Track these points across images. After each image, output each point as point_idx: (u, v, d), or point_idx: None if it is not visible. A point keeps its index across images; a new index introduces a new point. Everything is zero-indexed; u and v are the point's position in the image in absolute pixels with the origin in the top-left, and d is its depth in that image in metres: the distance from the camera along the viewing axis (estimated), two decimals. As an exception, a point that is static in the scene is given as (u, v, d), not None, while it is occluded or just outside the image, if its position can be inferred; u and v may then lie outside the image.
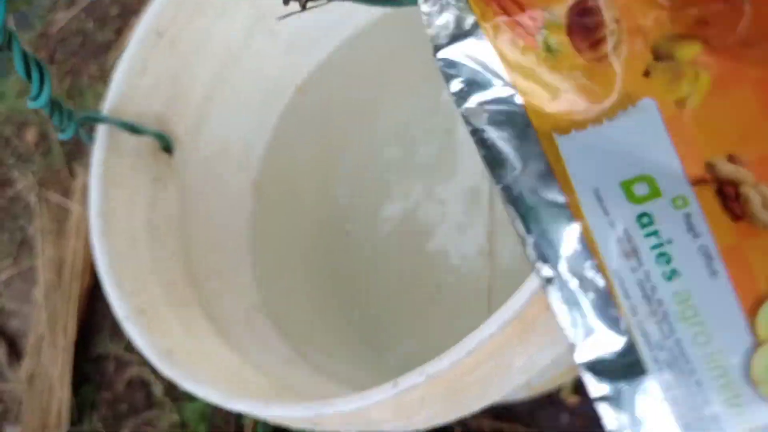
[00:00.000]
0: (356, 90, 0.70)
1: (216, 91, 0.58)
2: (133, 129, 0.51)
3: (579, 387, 0.65)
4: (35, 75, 0.34)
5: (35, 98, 0.36)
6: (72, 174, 1.08)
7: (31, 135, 1.14)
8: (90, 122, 0.48)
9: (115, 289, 0.44)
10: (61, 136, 0.44)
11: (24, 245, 1.02)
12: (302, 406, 0.34)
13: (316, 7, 0.27)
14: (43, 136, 1.11)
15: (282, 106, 0.66)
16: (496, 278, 0.61)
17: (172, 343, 0.43)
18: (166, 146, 0.55)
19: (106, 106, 0.51)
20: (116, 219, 0.50)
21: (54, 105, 0.40)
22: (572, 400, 0.64)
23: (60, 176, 1.06)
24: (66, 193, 1.01)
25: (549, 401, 0.65)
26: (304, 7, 0.26)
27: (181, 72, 0.56)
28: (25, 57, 0.33)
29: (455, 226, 0.67)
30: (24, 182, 1.06)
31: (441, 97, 0.71)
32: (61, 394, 0.84)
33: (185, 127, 0.57)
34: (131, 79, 0.53)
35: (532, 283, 0.33)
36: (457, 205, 0.69)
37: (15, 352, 0.94)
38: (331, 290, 0.66)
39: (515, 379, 0.36)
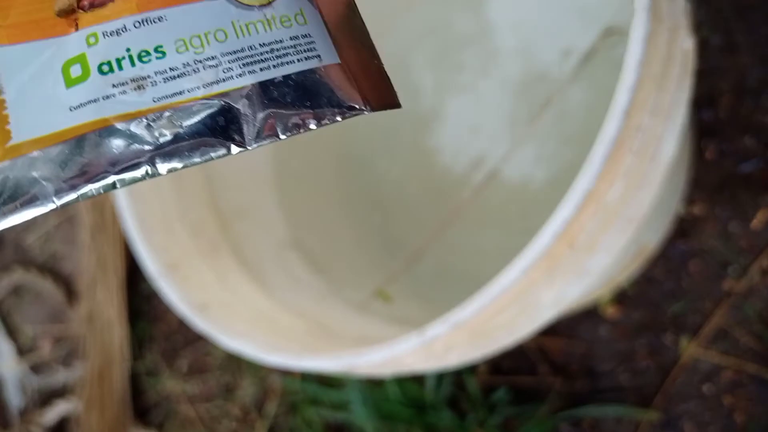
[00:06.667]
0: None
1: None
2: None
3: (617, 298, 0.64)
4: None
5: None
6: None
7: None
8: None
9: (145, 245, 0.44)
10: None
11: (65, 190, 1.04)
12: (333, 357, 0.35)
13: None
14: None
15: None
16: (519, 200, 0.60)
17: (207, 296, 0.43)
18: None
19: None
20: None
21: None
22: (611, 311, 0.64)
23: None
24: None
25: (587, 314, 0.65)
26: None
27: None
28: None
29: (479, 148, 0.65)
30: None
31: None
32: (120, 331, 0.88)
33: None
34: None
35: (554, 224, 0.32)
36: (484, 127, 0.67)
37: (73, 294, 0.98)
38: (360, 217, 0.66)
39: (544, 315, 0.36)
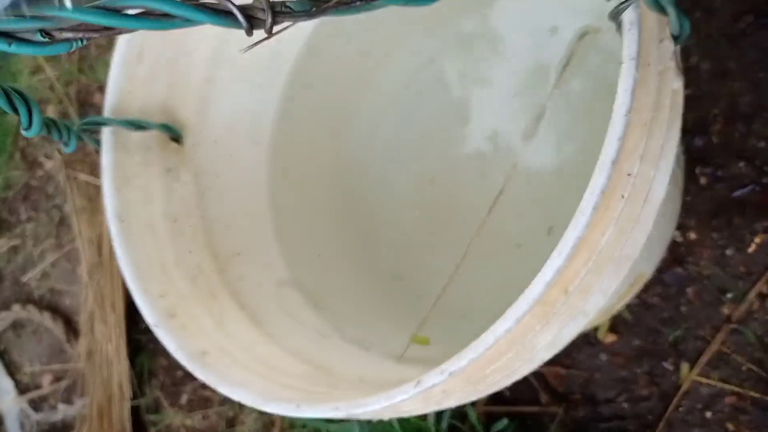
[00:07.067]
0: (363, 43, 0.67)
1: (216, 71, 0.57)
2: (138, 125, 0.50)
3: (616, 326, 0.64)
4: (22, 109, 0.34)
5: (27, 128, 0.35)
6: (97, 150, 1.09)
7: (51, 112, 1.14)
8: (92, 127, 0.48)
9: (142, 294, 0.44)
10: (67, 150, 0.44)
11: (62, 225, 1.05)
12: (331, 408, 0.35)
13: (282, 31, 0.25)
14: (63, 114, 1.11)
15: (287, 71, 0.64)
16: (522, 235, 0.60)
17: (205, 343, 0.43)
18: (175, 136, 0.54)
19: (107, 106, 0.50)
20: (134, 217, 0.50)
21: (49, 125, 0.40)
22: (610, 339, 0.64)
23: (86, 152, 1.07)
24: (93, 170, 1.02)
25: (586, 341, 0.65)
26: (270, 34, 0.24)
27: (177, 56, 0.54)
28: (6, 94, 0.32)
29: (477, 174, 0.66)
30: (52, 162, 1.08)
31: (441, 44, 0.68)
32: (119, 366, 0.88)
33: (190, 112, 0.56)
34: (129, 68, 0.52)
35: (548, 271, 0.32)
36: (475, 151, 0.67)
37: (72, 330, 0.98)
38: (360, 252, 0.66)
39: (541, 357, 0.36)
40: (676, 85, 0.38)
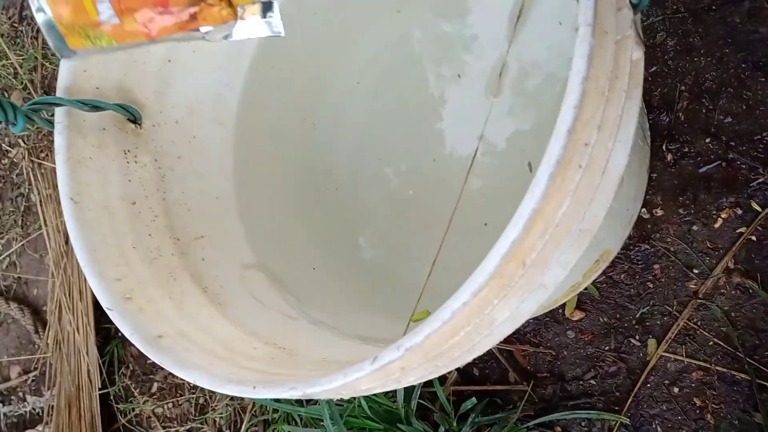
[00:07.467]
0: (329, 22, 0.66)
1: (176, 52, 0.55)
2: (93, 105, 0.49)
3: (584, 303, 0.65)
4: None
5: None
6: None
7: (15, 98, 1.12)
8: (43, 107, 0.46)
9: (97, 278, 0.43)
10: (14, 131, 0.43)
11: (28, 213, 1.02)
12: (288, 387, 0.34)
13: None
14: (28, 100, 1.09)
15: (251, 52, 0.62)
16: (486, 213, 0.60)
17: (163, 326, 0.42)
18: (132, 117, 0.53)
19: (60, 86, 0.48)
20: (89, 199, 0.48)
21: (-7, 103, 0.38)
22: (576, 316, 0.64)
23: (50, 140, 1.04)
24: (58, 157, 1.00)
25: (554, 319, 0.65)
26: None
27: (133, 34, 0.53)
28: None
29: (439, 158, 0.65)
30: (16, 150, 1.05)
31: (410, 24, 0.67)
32: (88, 356, 0.86)
33: (149, 93, 0.54)
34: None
35: (503, 244, 0.31)
36: (442, 137, 0.66)
37: (41, 321, 0.96)
38: (326, 236, 0.65)
39: (501, 331, 0.36)
40: (636, 55, 0.38)
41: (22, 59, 1.08)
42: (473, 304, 0.31)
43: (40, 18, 0.34)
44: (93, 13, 0.33)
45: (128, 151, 0.52)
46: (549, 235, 0.33)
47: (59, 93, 0.48)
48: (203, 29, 0.36)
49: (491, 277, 0.31)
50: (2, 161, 1.07)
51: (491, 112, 0.63)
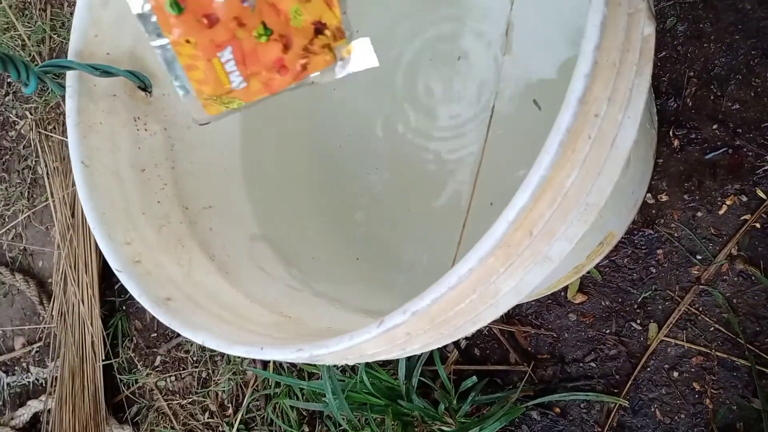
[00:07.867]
0: None
1: (186, 20, 0.55)
2: (103, 70, 0.49)
3: (586, 286, 0.65)
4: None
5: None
6: (62, 96, 1.06)
7: (24, 71, 1.12)
8: (55, 69, 0.46)
9: (107, 240, 0.44)
10: (26, 91, 0.43)
11: (35, 185, 1.03)
12: (295, 348, 0.35)
13: None
14: (35, 73, 1.09)
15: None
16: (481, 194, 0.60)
17: (171, 290, 0.43)
18: (143, 85, 0.53)
19: (71, 49, 0.49)
20: (99, 163, 0.49)
21: (5, 62, 0.38)
22: (579, 299, 0.64)
23: (58, 112, 1.05)
24: (66, 130, 1.00)
25: (556, 302, 0.66)
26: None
27: (146, 3, 0.53)
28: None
29: (444, 138, 0.65)
30: (24, 121, 1.06)
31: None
32: (92, 328, 0.87)
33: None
34: (93, 12, 0.50)
35: (511, 211, 0.32)
36: (445, 119, 0.66)
37: (45, 292, 0.97)
38: (332, 216, 0.66)
39: (506, 302, 0.36)
40: (647, 30, 0.38)
41: (31, 31, 1.08)
42: (479, 270, 0.32)
43: (182, 94, 0.38)
44: (226, 83, 0.38)
45: (138, 118, 0.53)
46: (557, 204, 0.33)
47: (71, 57, 0.48)
48: (312, 76, 0.41)
49: (498, 244, 0.31)
50: (9, 133, 1.07)
51: (502, 70, 0.63)
